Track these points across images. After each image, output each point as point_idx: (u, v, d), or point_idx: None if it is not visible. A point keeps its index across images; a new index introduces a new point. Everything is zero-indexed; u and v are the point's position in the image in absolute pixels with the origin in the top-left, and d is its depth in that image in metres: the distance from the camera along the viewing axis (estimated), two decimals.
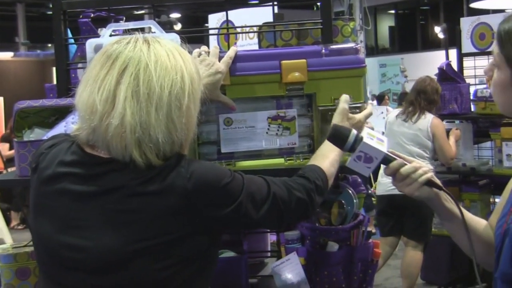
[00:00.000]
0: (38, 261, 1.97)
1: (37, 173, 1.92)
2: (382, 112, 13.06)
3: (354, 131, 2.07)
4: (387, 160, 2.03)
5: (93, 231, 1.78)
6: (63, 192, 1.84)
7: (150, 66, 1.77)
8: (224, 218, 1.83)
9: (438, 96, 6.56)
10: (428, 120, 6.42)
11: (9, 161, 10.73)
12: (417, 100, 6.48)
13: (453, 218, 2.04)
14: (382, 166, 2.06)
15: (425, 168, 2.01)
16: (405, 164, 2.01)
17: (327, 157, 2.19)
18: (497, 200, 6.54)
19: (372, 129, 2.25)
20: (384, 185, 6.54)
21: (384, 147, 2.04)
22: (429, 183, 2.00)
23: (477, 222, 2.09)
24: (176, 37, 2.67)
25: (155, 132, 1.74)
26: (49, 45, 20.69)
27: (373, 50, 21.52)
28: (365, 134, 2.07)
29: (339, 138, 2.06)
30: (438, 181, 2.02)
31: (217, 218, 1.82)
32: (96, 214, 1.79)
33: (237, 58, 2.41)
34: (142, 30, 2.91)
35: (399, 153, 2.07)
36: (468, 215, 2.07)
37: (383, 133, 6.22)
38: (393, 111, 7.82)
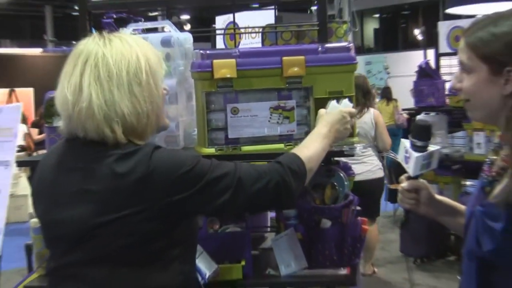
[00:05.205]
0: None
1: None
2: None
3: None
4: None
5: (69, 207, 1.80)
6: (46, 178, 1.91)
7: (106, 54, 1.81)
8: (178, 205, 1.78)
9: (369, 87, 6.63)
10: (371, 112, 6.44)
11: (37, 144, 10.76)
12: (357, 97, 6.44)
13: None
14: None
15: None
16: None
17: (306, 147, 2.10)
18: (468, 183, 6.54)
19: None
20: None
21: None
22: None
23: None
24: (189, 35, 2.66)
25: (120, 107, 1.78)
26: (73, 42, 20.65)
27: (360, 49, 21.39)
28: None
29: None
30: None
31: (171, 203, 1.76)
32: (70, 192, 1.81)
33: (243, 54, 2.40)
34: (156, 29, 2.90)
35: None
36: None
37: None
38: None
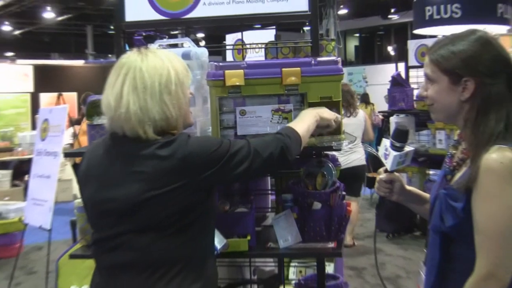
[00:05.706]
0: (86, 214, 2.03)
1: None
2: None
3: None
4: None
5: (119, 187, 1.81)
6: (95, 165, 1.94)
7: (142, 68, 1.84)
8: (212, 177, 1.82)
9: (353, 92, 7.02)
10: (361, 112, 6.84)
11: None
12: (346, 99, 6.57)
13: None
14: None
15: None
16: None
17: (301, 120, 2.18)
18: (431, 172, 6.53)
19: None
20: None
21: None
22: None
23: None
24: (205, 50, 2.64)
25: (152, 113, 1.81)
26: (109, 55, 20.69)
27: (343, 62, 21.33)
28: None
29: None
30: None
31: (206, 177, 1.81)
32: (119, 174, 1.83)
33: (249, 65, 2.38)
34: (177, 45, 2.88)
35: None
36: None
37: None
38: None
